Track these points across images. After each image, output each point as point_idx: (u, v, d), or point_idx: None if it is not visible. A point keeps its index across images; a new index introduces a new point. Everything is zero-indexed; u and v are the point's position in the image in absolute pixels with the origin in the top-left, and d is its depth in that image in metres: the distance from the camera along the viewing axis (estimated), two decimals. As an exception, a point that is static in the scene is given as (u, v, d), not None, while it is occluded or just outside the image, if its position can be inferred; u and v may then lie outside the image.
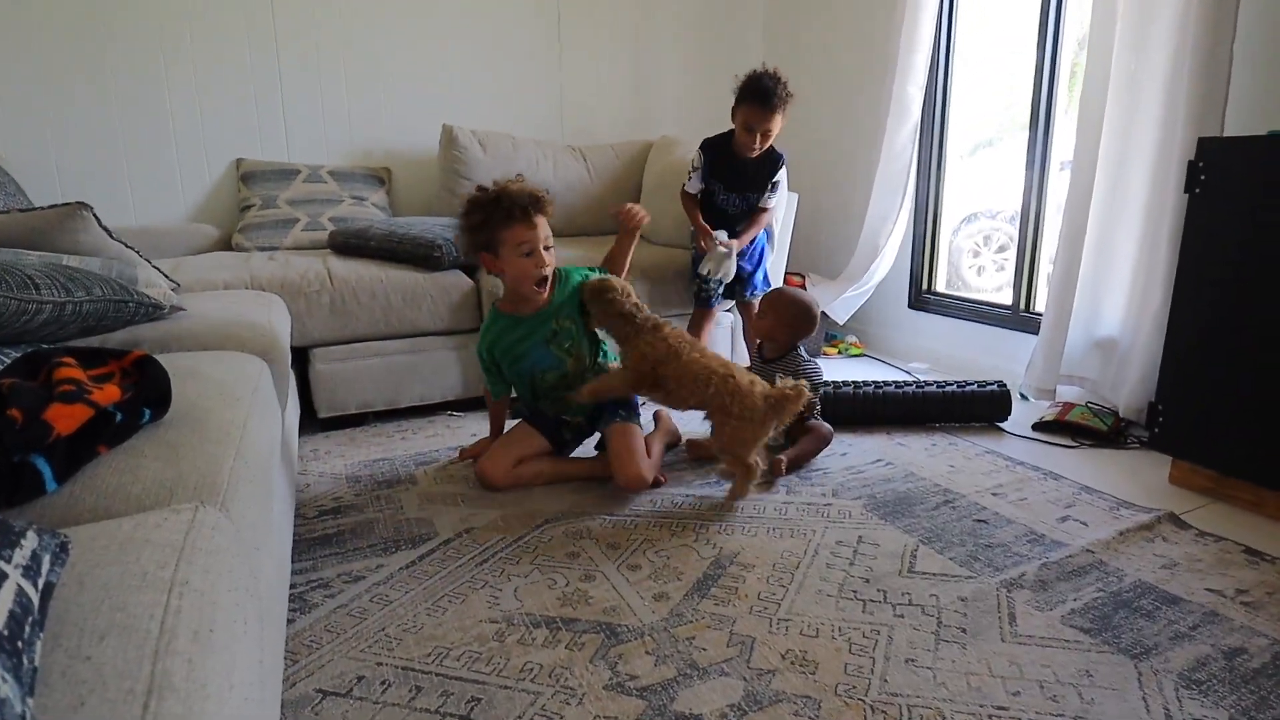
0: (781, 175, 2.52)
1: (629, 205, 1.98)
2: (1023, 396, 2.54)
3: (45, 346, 1.12)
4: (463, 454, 2.10)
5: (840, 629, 1.32)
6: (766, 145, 2.38)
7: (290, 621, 1.35)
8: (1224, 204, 1.72)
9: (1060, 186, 2.53)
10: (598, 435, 2.03)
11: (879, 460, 2.09)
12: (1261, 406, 1.67)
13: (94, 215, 1.65)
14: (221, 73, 2.89)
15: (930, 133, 3.07)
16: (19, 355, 0.98)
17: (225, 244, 2.83)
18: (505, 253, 1.82)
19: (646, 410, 2.09)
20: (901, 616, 1.36)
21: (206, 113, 2.90)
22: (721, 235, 2.43)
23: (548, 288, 1.89)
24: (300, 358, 2.31)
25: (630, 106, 3.60)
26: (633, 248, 2.02)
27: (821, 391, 2.23)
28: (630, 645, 1.28)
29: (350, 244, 2.57)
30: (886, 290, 3.28)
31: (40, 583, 0.51)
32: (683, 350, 1.83)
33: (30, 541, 0.52)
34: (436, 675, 1.21)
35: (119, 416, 0.85)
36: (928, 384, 2.42)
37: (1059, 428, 2.28)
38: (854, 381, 2.44)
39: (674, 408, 1.98)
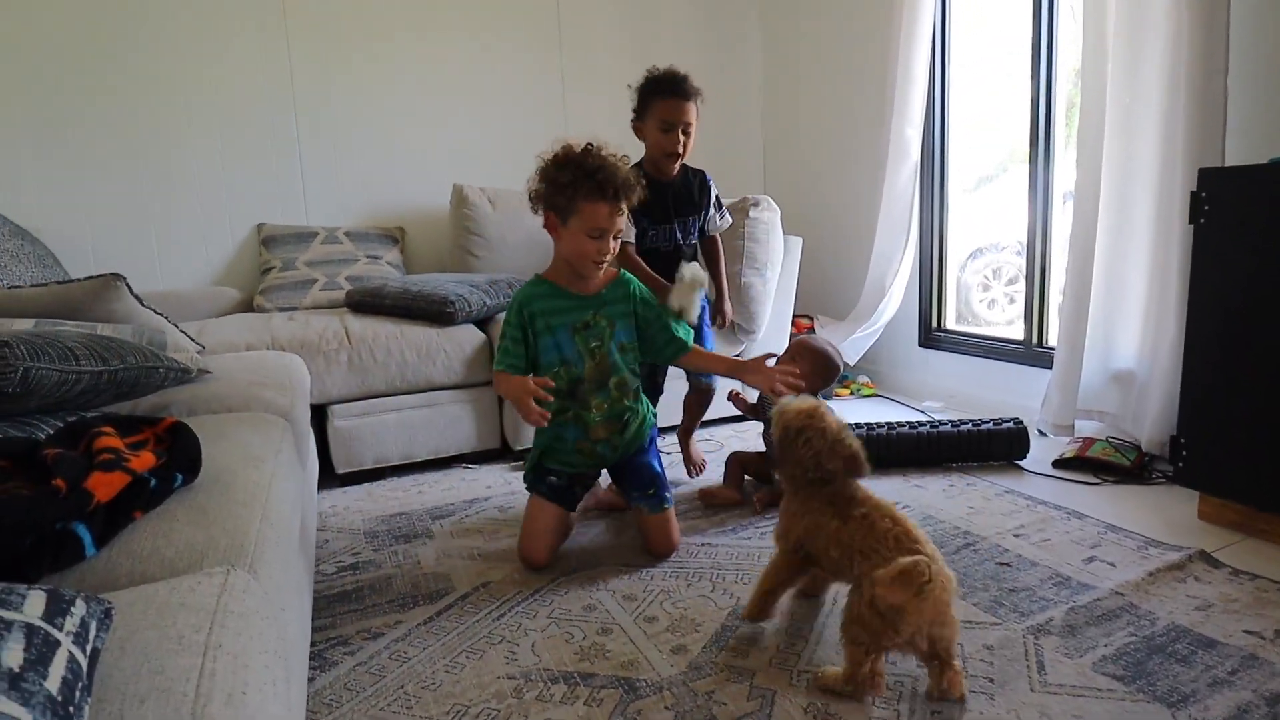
0: (715, 189, 2.23)
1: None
2: (1040, 433, 2.52)
3: (84, 415, 1.16)
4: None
5: (865, 676, 1.30)
6: (689, 147, 2.08)
7: (310, 680, 1.35)
8: (1229, 233, 1.73)
9: (1065, 219, 2.55)
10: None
11: (897, 503, 2.05)
12: (1284, 437, 1.65)
13: (126, 285, 1.72)
14: (243, 142, 3.01)
15: (931, 171, 3.13)
16: (62, 425, 1.01)
17: (247, 305, 2.90)
18: (574, 224, 1.67)
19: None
20: (925, 666, 1.34)
21: (229, 181, 3.01)
22: (693, 267, 1.93)
23: (601, 275, 1.77)
24: (318, 414, 2.35)
25: (634, 158, 3.68)
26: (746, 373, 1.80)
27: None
28: (649, 700, 1.27)
29: (366, 302, 2.63)
30: (896, 329, 3.30)
31: (88, 648, 0.53)
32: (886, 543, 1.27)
33: (79, 609, 0.55)
34: (460, 733, 1.20)
35: (154, 483, 0.87)
36: (943, 423, 2.42)
37: (1080, 464, 2.26)
38: (868, 423, 2.44)
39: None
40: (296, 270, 2.91)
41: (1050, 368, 2.51)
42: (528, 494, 1.85)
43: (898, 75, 2.95)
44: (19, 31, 2.66)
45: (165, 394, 1.52)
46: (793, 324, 3.10)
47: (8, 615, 0.50)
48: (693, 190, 2.18)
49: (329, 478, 2.40)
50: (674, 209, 2.14)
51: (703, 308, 2.01)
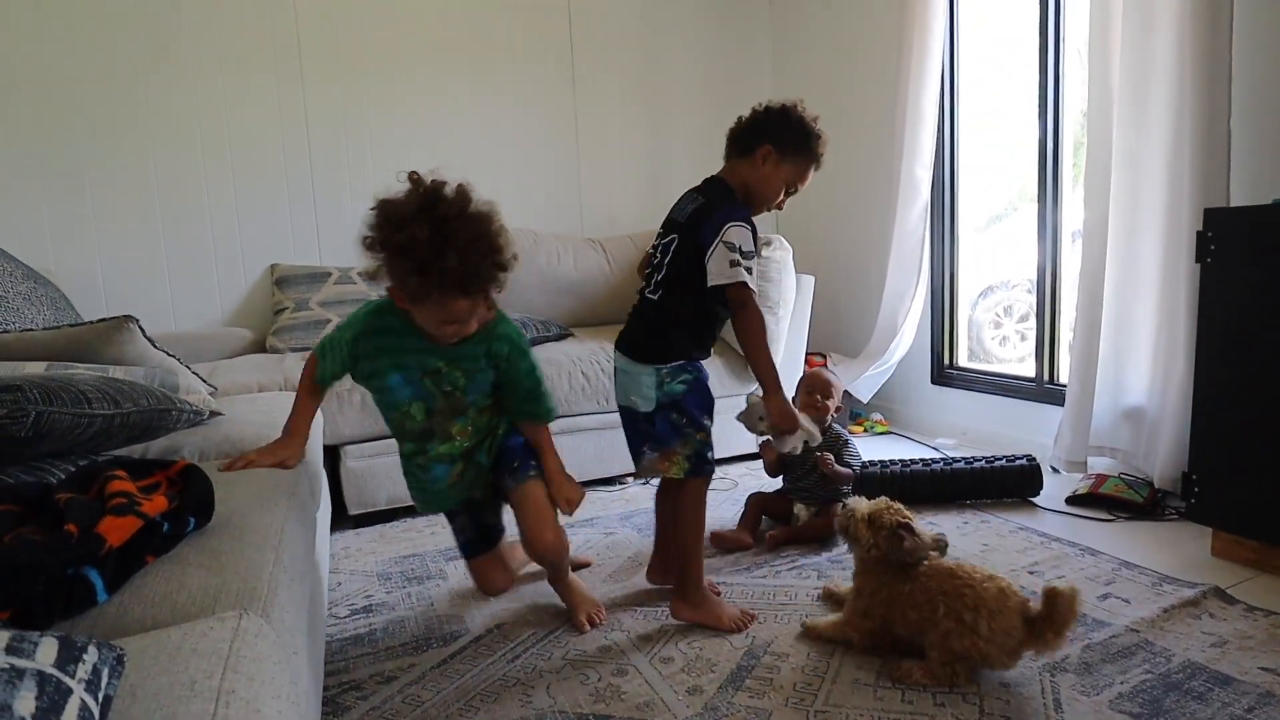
0: None
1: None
2: (1054, 469, 2.50)
3: (96, 459, 1.17)
4: (231, 465, 1.42)
5: (880, 720, 1.29)
6: None
7: (323, 726, 1.34)
8: (1235, 272, 1.75)
9: (1074, 257, 2.56)
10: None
11: (911, 540, 2.05)
12: (1299, 474, 1.64)
13: (139, 326, 1.74)
14: (257, 183, 3.07)
15: (941, 211, 3.15)
16: (74, 470, 1.03)
17: (260, 346, 2.94)
18: (423, 312, 1.41)
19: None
20: (943, 705, 1.32)
21: (243, 222, 3.06)
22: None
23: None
24: (331, 455, 2.36)
25: (647, 198, 3.74)
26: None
27: (859, 470, 2.22)
28: (666, 743, 1.25)
29: (380, 342, 2.65)
30: (908, 367, 3.29)
31: (100, 695, 0.54)
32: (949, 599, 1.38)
33: (91, 656, 0.55)
34: (470, 780, 1.19)
35: (166, 527, 0.88)
36: (956, 460, 2.40)
37: (1094, 501, 2.24)
38: (881, 461, 2.43)
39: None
40: (309, 311, 2.94)
41: (1062, 404, 2.50)
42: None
43: (907, 116, 3.00)
44: (35, 74, 2.73)
45: (177, 436, 1.53)
46: (805, 362, 3.10)
47: (20, 663, 0.51)
48: None
49: (342, 519, 2.40)
50: None
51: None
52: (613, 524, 2.29)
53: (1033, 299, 2.89)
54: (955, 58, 3.07)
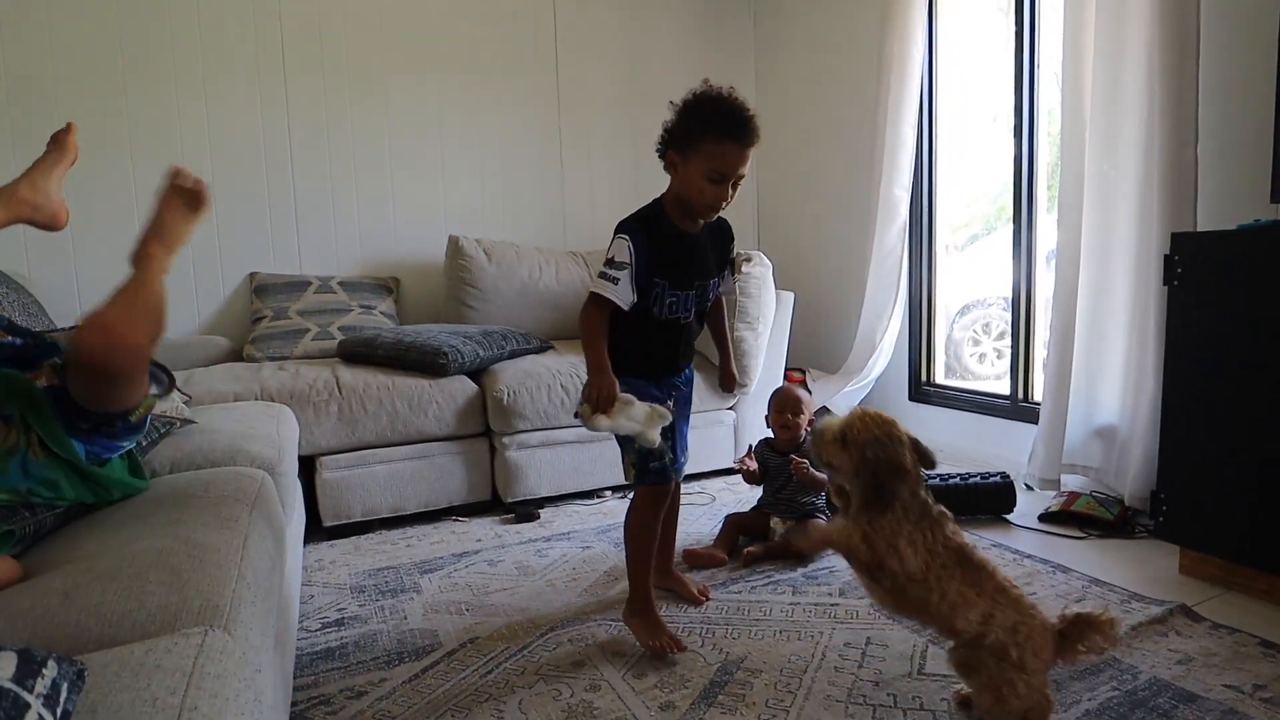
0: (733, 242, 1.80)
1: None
2: (1027, 487, 2.53)
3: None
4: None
5: (851, 737, 1.29)
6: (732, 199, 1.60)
7: (290, 742, 1.32)
8: (1201, 294, 1.79)
9: (1048, 278, 2.60)
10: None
11: (885, 556, 2.07)
12: (1264, 493, 1.68)
13: (114, 335, 1.72)
14: (238, 191, 3.04)
15: (919, 230, 3.19)
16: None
17: (237, 355, 2.91)
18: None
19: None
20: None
21: (223, 229, 3.04)
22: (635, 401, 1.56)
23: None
24: (307, 466, 2.34)
25: (630, 211, 3.74)
26: None
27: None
28: (637, 760, 1.25)
29: (359, 352, 2.64)
30: (887, 383, 3.32)
31: (59, 711, 0.53)
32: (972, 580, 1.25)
33: (51, 670, 0.55)
34: (439, 797, 1.18)
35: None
36: (932, 477, 2.42)
37: (1066, 518, 2.27)
38: (857, 476, 2.45)
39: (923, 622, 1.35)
40: (288, 319, 2.93)
41: (1036, 422, 2.53)
42: (513, 548, 1.82)
43: (886, 137, 3.04)
44: (11, 75, 2.70)
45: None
46: (785, 377, 3.12)
47: (-21, 678, 0.50)
48: (717, 245, 1.72)
49: (316, 531, 2.38)
50: (698, 270, 1.66)
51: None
52: (590, 538, 2.29)
53: (1009, 317, 2.93)
54: (934, 80, 3.12)
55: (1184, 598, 1.75)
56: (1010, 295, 2.83)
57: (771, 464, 2.21)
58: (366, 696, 1.47)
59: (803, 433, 2.20)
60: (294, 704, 1.44)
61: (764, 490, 2.27)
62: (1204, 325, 1.78)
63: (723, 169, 1.51)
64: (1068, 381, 2.38)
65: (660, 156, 1.62)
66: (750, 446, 2.29)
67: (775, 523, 2.18)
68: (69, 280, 2.82)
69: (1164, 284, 1.88)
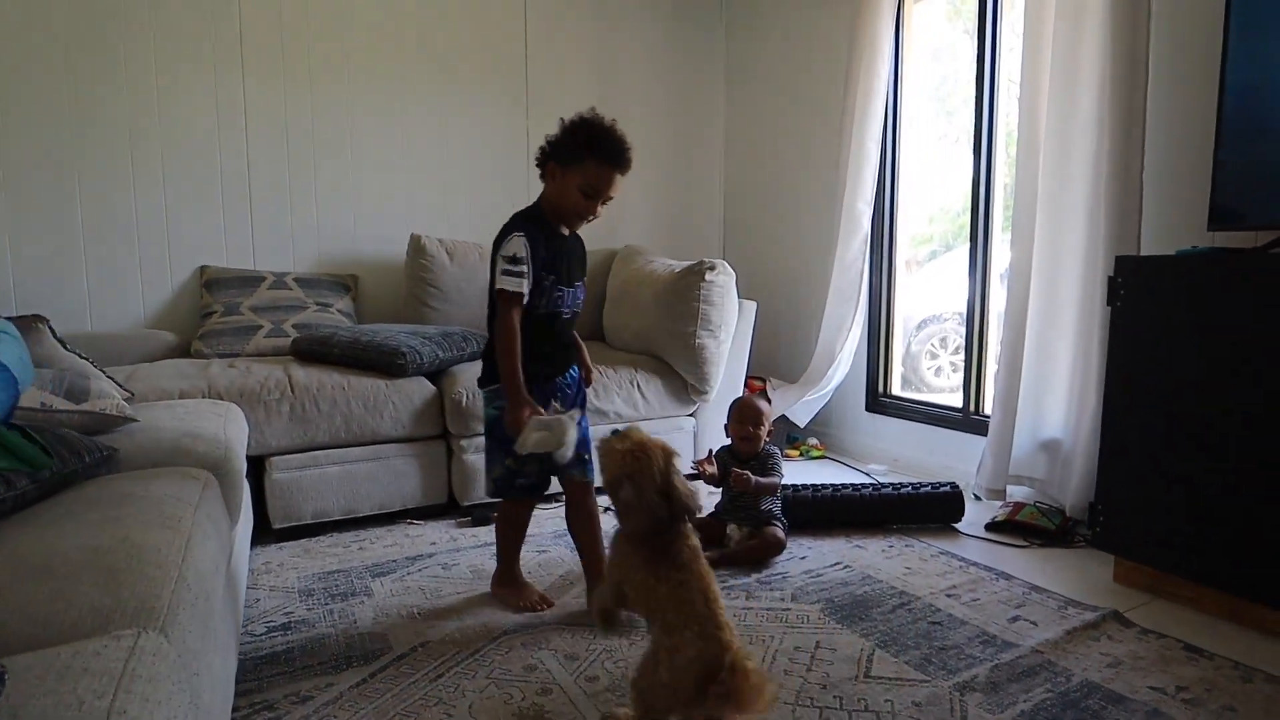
0: None
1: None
2: (976, 497, 2.59)
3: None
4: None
5: (797, 742, 1.31)
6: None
7: (230, 748, 1.29)
8: (1142, 316, 1.86)
9: (1001, 295, 2.67)
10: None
11: (838, 563, 2.10)
12: (1194, 506, 1.75)
13: (49, 328, 1.67)
14: (190, 182, 2.96)
15: (880, 245, 3.25)
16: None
17: (184, 351, 2.83)
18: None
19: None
20: (857, 725, 1.35)
21: (173, 221, 2.95)
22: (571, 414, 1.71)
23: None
24: (256, 466, 2.29)
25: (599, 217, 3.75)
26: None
27: (781, 493, 2.28)
28: (584, 765, 1.25)
29: (314, 350, 2.59)
30: (845, 394, 3.37)
31: (-25, 717, 0.52)
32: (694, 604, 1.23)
33: (-32, 674, 0.53)
34: (382, 803, 1.16)
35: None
36: (885, 486, 2.47)
37: (1011, 527, 2.33)
38: (813, 485, 2.48)
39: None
40: (240, 315, 2.86)
41: (986, 435, 2.59)
42: (468, 551, 1.81)
43: (851, 152, 3.09)
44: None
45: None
46: (745, 385, 3.15)
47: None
48: (578, 252, 1.90)
49: (264, 533, 2.33)
50: (577, 269, 1.86)
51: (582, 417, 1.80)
52: (545, 542, 2.28)
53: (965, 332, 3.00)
54: (899, 99, 3.18)
55: (1116, 604, 1.82)
56: (965, 311, 2.90)
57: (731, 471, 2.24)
58: (312, 701, 1.44)
59: (761, 445, 2.23)
60: (236, 709, 1.40)
61: (721, 496, 2.28)
62: (1143, 345, 1.85)
63: (598, 187, 1.72)
64: (1016, 395, 2.45)
65: (539, 166, 1.80)
66: (710, 451, 2.30)
67: (731, 529, 2.20)
68: (4, 270, 2.71)
69: (1107, 304, 1.94)
